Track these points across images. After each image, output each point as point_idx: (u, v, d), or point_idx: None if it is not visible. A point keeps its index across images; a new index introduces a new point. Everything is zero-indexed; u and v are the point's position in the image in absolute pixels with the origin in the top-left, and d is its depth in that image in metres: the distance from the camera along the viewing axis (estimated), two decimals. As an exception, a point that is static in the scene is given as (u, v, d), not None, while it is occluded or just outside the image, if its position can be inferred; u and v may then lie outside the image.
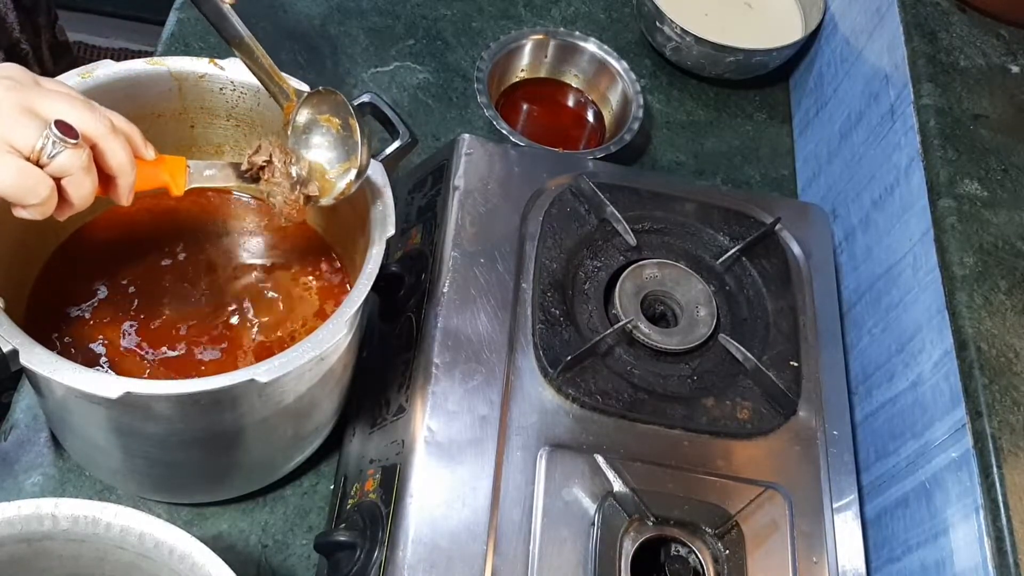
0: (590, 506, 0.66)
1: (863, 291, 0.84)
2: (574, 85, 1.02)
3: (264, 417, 0.63)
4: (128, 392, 0.54)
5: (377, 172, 0.65)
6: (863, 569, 0.69)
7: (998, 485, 0.61)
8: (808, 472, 0.71)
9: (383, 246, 0.63)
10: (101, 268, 0.72)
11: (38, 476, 0.72)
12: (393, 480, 0.66)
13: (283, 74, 0.65)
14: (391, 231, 0.63)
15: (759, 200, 0.86)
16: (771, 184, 1.03)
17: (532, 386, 0.70)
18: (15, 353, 0.54)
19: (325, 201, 0.63)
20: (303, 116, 0.64)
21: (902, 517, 0.71)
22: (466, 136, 0.81)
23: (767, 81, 1.09)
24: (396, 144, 0.70)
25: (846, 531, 0.70)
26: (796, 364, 0.76)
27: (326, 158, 0.64)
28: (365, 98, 0.72)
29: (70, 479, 0.73)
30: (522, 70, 1.00)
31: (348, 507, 0.70)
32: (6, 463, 0.72)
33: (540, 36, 1.00)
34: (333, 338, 0.59)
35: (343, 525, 0.68)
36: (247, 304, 0.72)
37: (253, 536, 0.73)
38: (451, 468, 0.66)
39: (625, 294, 0.76)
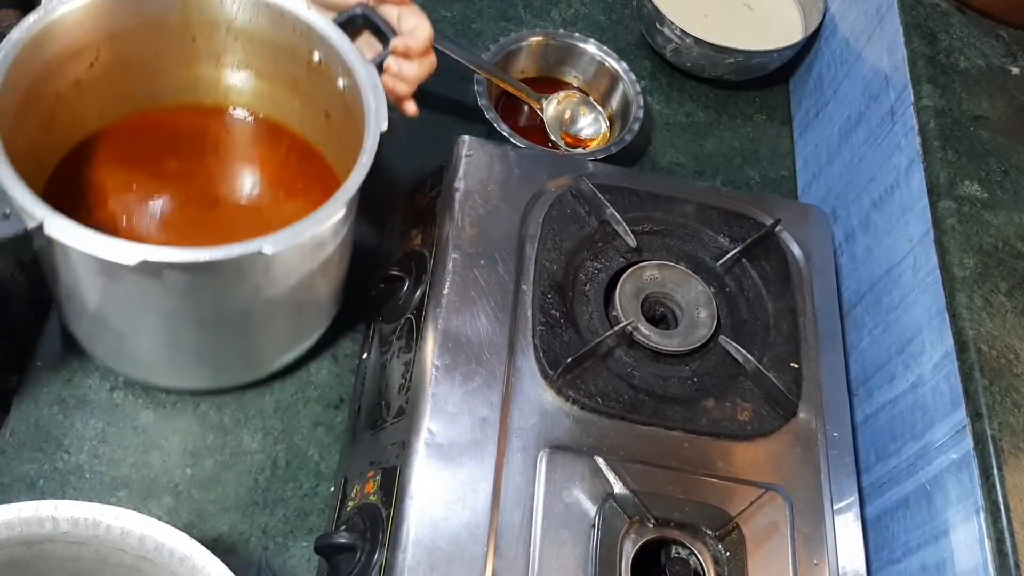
0: (590, 508, 0.66)
1: (863, 292, 0.84)
2: (574, 86, 1.02)
3: (267, 298, 0.68)
4: (144, 260, 0.58)
5: (370, 74, 0.71)
6: (864, 570, 0.69)
7: (998, 487, 0.61)
8: (808, 474, 0.71)
9: (377, 138, 0.67)
10: (116, 167, 0.76)
11: (38, 478, 0.72)
12: (393, 482, 0.66)
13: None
14: (384, 126, 0.68)
15: (759, 201, 0.86)
16: (771, 185, 1.03)
17: (532, 388, 0.70)
18: (39, 229, 0.58)
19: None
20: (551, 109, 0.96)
21: (902, 519, 0.71)
22: (466, 138, 0.81)
23: (767, 82, 1.10)
24: (388, 50, 0.75)
25: (846, 533, 0.70)
26: (796, 365, 0.76)
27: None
28: (357, 10, 0.75)
29: (70, 481, 0.73)
30: (522, 71, 1.00)
31: (348, 509, 0.70)
32: (6, 464, 0.72)
33: (540, 38, 1.00)
34: (334, 216, 0.64)
35: (343, 527, 0.68)
36: (248, 204, 0.78)
37: (253, 538, 0.73)
38: (451, 470, 0.66)
39: (625, 296, 0.76)
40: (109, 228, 0.71)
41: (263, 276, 0.65)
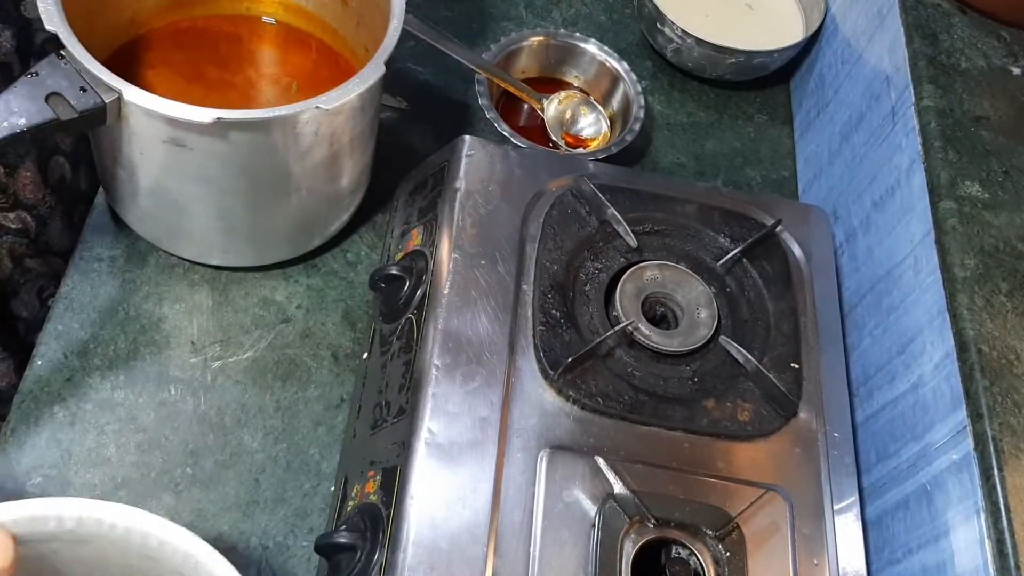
0: (591, 508, 0.66)
1: (864, 293, 0.84)
2: (575, 86, 1.02)
3: (314, 163, 0.75)
4: (219, 118, 0.65)
5: None
6: (864, 571, 0.69)
7: (999, 487, 0.61)
8: (809, 474, 0.71)
9: (404, 4, 0.75)
10: (158, 63, 0.82)
11: (39, 477, 0.72)
12: (394, 482, 0.66)
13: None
14: None
15: (760, 201, 0.86)
16: (772, 185, 1.03)
17: (533, 388, 0.70)
18: (116, 101, 0.65)
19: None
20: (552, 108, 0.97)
21: (903, 519, 0.71)
22: (467, 137, 0.81)
23: (768, 82, 1.10)
24: None
25: (847, 533, 0.70)
26: (797, 366, 0.76)
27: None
28: None
29: (71, 480, 0.73)
30: (523, 71, 1.00)
31: (349, 509, 0.70)
32: (6, 464, 0.72)
33: (541, 38, 1.00)
34: (375, 75, 0.71)
35: (344, 527, 0.68)
36: (281, 93, 0.84)
37: (254, 538, 0.73)
38: (452, 470, 0.66)
39: (626, 296, 0.76)
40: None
41: (313, 138, 0.72)
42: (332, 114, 0.70)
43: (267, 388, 0.79)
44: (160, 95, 0.68)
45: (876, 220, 0.84)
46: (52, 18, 0.66)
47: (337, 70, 0.86)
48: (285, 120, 0.69)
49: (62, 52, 0.66)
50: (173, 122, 0.66)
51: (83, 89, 0.65)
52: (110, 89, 0.65)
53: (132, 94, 0.65)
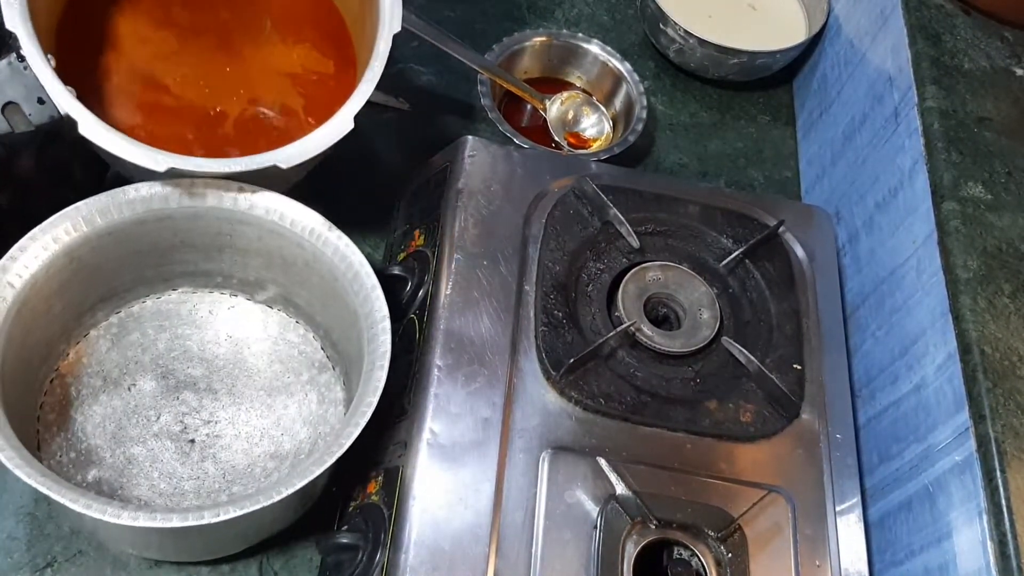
0: (592, 509, 0.66)
1: (867, 294, 0.84)
2: (578, 86, 1.02)
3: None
4: (172, 167, 0.61)
5: None
6: (866, 572, 0.69)
7: (1001, 489, 0.61)
8: (811, 475, 0.71)
9: (389, 42, 0.69)
10: (130, 9, 0.73)
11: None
12: (395, 482, 0.66)
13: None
14: (397, 27, 0.70)
15: (762, 202, 0.86)
16: (775, 186, 1.03)
17: (535, 388, 0.70)
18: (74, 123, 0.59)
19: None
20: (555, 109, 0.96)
21: (905, 521, 0.71)
22: (469, 138, 0.81)
23: (771, 83, 1.09)
24: None
25: (849, 534, 0.70)
26: (799, 367, 0.76)
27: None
28: None
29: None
30: (525, 71, 1.00)
31: (350, 509, 0.70)
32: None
33: (543, 38, 1.00)
34: (341, 131, 0.66)
35: (345, 527, 0.68)
36: (258, 52, 0.76)
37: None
38: (453, 470, 0.66)
39: (628, 296, 0.76)
40: (124, 78, 0.69)
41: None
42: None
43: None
44: (131, 44, 0.63)
45: (879, 221, 0.84)
46: (14, 17, 0.58)
47: (322, 15, 0.79)
48: (245, 175, 0.65)
49: (22, 53, 0.59)
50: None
51: (41, 101, 0.60)
52: (69, 116, 0.59)
53: (87, 128, 0.59)
